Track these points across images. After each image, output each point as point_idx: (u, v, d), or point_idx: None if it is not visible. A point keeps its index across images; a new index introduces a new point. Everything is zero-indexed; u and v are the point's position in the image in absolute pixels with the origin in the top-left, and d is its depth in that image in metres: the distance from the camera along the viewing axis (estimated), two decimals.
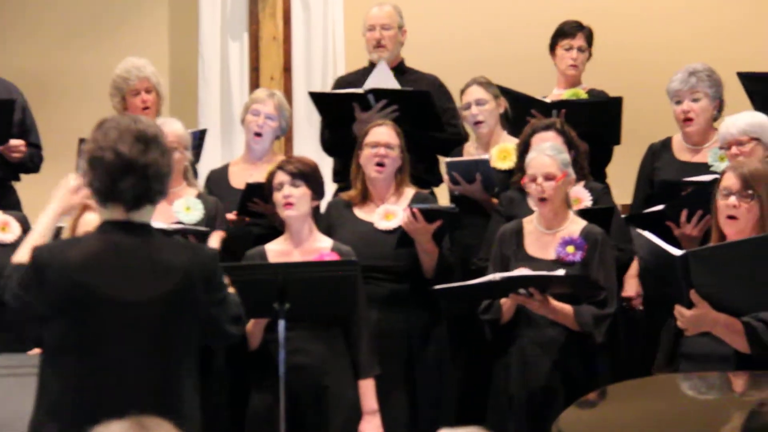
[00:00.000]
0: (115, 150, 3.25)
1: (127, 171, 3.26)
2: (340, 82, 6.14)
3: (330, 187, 5.90)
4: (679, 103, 5.45)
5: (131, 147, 3.25)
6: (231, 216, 5.32)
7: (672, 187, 5.20)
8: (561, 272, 4.59)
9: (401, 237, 5.05)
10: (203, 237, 4.78)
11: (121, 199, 3.28)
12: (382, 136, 5.16)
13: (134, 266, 3.29)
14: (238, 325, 3.50)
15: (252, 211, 5.31)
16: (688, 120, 5.44)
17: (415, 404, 5.06)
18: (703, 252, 4.23)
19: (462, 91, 5.72)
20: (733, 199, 4.30)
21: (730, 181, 4.34)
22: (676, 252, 4.10)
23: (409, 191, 5.23)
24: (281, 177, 4.79)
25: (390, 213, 5.13)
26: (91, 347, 3.24)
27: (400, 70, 6.04)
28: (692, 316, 4.13)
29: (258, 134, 5.58)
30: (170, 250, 3.36)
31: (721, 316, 4.11)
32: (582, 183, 5.25)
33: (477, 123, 5.64)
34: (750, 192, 4.29)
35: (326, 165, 5.91)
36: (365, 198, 5.22)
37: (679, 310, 4.15)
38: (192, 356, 3.37)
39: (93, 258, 3.27)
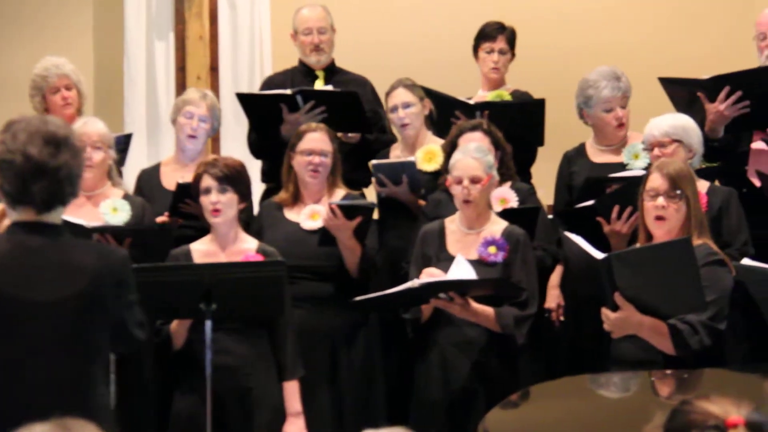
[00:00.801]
0: (24, 153, 3.20)
1: (38, 174, 3.21)
2: (269, 83, 6.13)
3: (259, 187, 5.90)
4: (610, 110, 5.49)
5: (41, 150, 3.20)
6: (163, 218, 5.28)
7: (597, 183, 5.25)
8: (469, 271, 4.60)
9: (323, 235, 5.06)
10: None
11: (32, 202, 3.24)
12: (316, 144, 5.17)
13: (43, 267, 3.25)
14: (143, 329, 3.46)
15: (184, 213, 5.29)
16: (622, 125, 5.50)
17: (341, 405, 5.07)
18: (625, 255, 4.27)
19: (387, 94, 5.73)
20: (661, 200, 4.35)
21: (657, 182, 4.38)
22: (599, 255, 4.13)
23: (340, 192, 5.24)
24: (208, 181, 4.76)
25: (316, 213, 5.14)
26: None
27: (331, 70, 6.06)
28: (617, 319, 4.16)
29: (192, 136, 5.55)
30: (80, 251, 3.32)
31: (646, 318, 4.15)
32: (508, 184, 5.28)
33: (403, 125, 5.66)
34: (678, 192, 4.34)
35: (254, 165, 5.89)
36: (296, 200, 5.22)
37: (605, 313, 4.19)
38: (103, 357, 3.34)
39: (1, 259, 3.24)
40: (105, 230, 4.92)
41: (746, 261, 4.26)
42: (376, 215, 5.23)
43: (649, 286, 4.11)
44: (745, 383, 4.02)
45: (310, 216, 5.15)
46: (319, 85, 5.97)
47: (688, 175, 4.41)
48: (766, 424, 2.22)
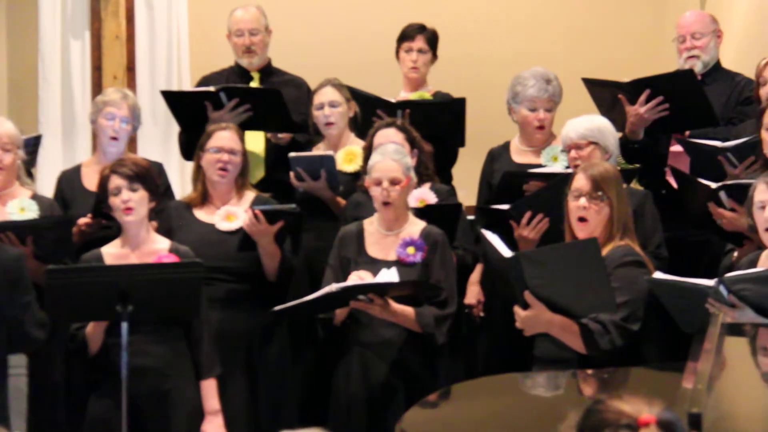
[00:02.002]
0: None
1: None
2: (204, 82, 6.08)
3: (181, 189, 5.85)
4: (533, 110, 5.51)
5: None
6: (86, 219, 5.21)
7: (514, 179, 5.28)
8: (396, 278, 4.60)
9: (243, 239, 5.03)
10: None
11: None
12: (225, 141, 5.14)
13: None
14: (43, 329, 3.41)
15: (107, 214, 5.22)
16: (542, 128, 5.52)
17: (256, 405, 5.05)
18: (533, 254, 4.32)
19: (314, 91, 5.71)
20: (583, 201, 4.38)
21: (580, 182, 4.41)
22: (509, 253, 4.16)
23: (250, 194, 5.21)
24: (117, 181, 4.72)
25: (231, 214, 5.11)
26: None
27: (267, 71, 6.05)
28: (527, 317, 4.19)
29: (114, 138, 5.48)
30: None
31: (556, 317, 4.17)
32: (428, 185, 5.28)
33: (328, 124, 5.65)
34: (599, 194, 4.37)
35: (172, 167, 5.85)
36: (205, 200, 5.18)
37: (516, 310, 4.21)
38: None
39: None
40: (2, 228, 4.85)
41: (657, 274, 4.32)
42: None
43: (558, 285, 4.15)
44: (660, 382, 4.05)
45: (225, 217, 5.12)
46: (254, 86, 5.95)
47: (612, 177, 4.44)
48: (677, 422, 2.24)
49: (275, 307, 4.71)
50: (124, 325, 4.41)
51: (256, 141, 5.83)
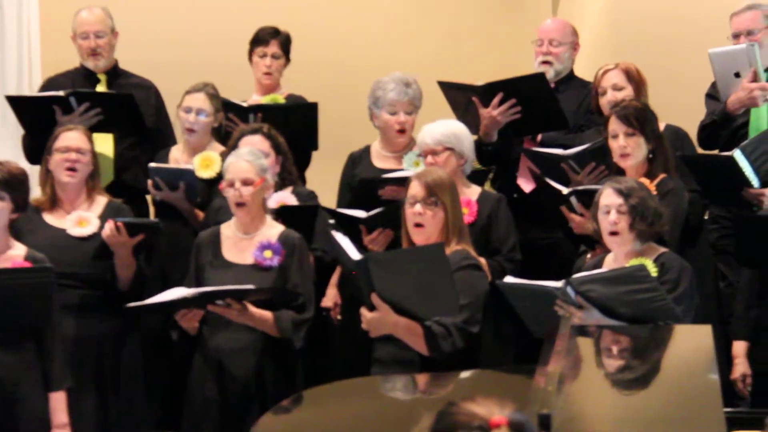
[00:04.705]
0: None
1: None
2: (49, 84, 5.98)
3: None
4: (394, 113, 5.53)
5: None
6: None
7: (370, 185, 5.30)
8: (251, 285, 4.61)
9: (100, 248, 4.98)
10: None
11: None
12: (73, 141, 5.06)
13: None
14: None
15: None
16: (403, 131, 5.55)
17: (106, 413, 4.99)
18: (381, 257, 4.42)
19: (187, 92, 5.64)
20: (418, 207, 4.49)
21: (415, 189, 4.52)
22: (356, 256, 4.20)
23: (101, 199, 5.15)
24: None
25: (83, 219, 5.04)
26: None
27: (114, 73, 5.96)
28: (373, 319, 4.28)
29: None
30: None
31: (401, 319, 4.26)
32: (290, 188, 5.28)
33: (191, 130, 5.59)
34: (433, 199, 4.46)
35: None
36: (54, 204, 5.09)
37: (363, 312, 4.29)
38: None
39: None
40: None
41: (508, 278, 4.41)
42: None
43: (404, 288, 4.23)
44: (512, 384, 4.12)
45: (77, 223, 5.05)
46: (101, 88, 5.87)
47: (446, 183, 4.54)
48: (528, 423, 2.27)
49: (129, 304, 4.67)
50: None
51: (105, 144, 5.74)
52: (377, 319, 4.26)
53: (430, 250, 4.30)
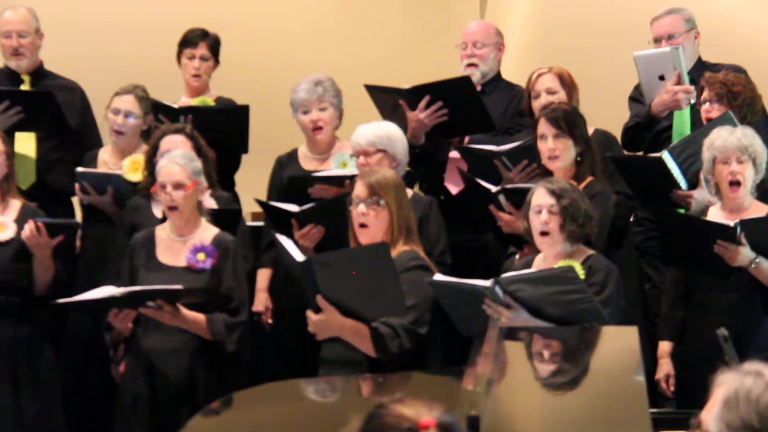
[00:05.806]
0: None
1: None
2: None
3: None
4: (306, 113, 5.53)
5: None
6: None
7: (299, 183, 5.29)
8: (179, 285, 4.59)
9: (20, 250, 4.94)
10: None
11: None
12: None
13: None
14: None
15: None
16: (318, 129, 5.54)
17: (22, 418, 4.95)
18: (325, 258, 4.35)
19: (116, 94, 5.59)
20: (362, 207, 4.45)
21: (358, 190, 4.49)
22: (301, 257, 4.18)
23: (16, 202, 5.09)
24: None
25: (1, 224, 4.99)
26: None
27: (38, 74, 5.90)
28: (318, 321, 4.24)
29: None
30: None
31: (347, 321, 4.23)
32: (209, 192, 5.25)
33: (117, 132, 5.56)
34: (376, 199, 4.44)
35: None
36: None
37: (308, 314, 4.26)
38: None
39: None
40: None
41: (438, 276, 4.41)
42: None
43: (350, 289, 4.20)
44: (441, 386, 4.14)
45: None
46: (25, 89, 5.79)
47: (390, 183, 4.51)
48: (457, 425, 2.28)
49: (59, 300, 4.63)
50: None
51: (27, 145, 5.68)
52: (323, 320, 4.22)
53: (374, 250, 4.27)
